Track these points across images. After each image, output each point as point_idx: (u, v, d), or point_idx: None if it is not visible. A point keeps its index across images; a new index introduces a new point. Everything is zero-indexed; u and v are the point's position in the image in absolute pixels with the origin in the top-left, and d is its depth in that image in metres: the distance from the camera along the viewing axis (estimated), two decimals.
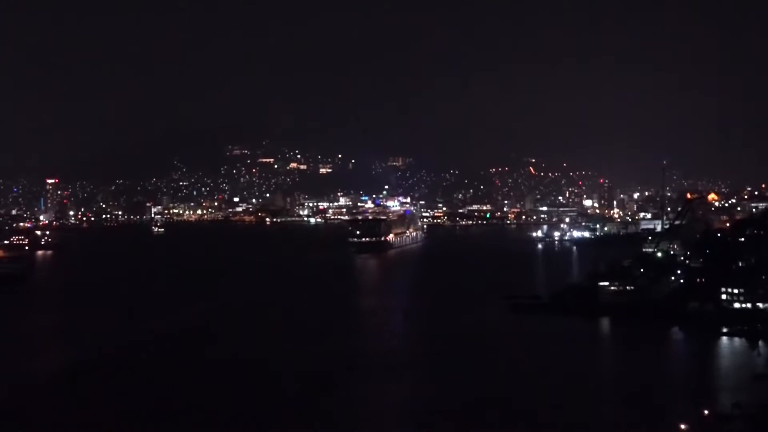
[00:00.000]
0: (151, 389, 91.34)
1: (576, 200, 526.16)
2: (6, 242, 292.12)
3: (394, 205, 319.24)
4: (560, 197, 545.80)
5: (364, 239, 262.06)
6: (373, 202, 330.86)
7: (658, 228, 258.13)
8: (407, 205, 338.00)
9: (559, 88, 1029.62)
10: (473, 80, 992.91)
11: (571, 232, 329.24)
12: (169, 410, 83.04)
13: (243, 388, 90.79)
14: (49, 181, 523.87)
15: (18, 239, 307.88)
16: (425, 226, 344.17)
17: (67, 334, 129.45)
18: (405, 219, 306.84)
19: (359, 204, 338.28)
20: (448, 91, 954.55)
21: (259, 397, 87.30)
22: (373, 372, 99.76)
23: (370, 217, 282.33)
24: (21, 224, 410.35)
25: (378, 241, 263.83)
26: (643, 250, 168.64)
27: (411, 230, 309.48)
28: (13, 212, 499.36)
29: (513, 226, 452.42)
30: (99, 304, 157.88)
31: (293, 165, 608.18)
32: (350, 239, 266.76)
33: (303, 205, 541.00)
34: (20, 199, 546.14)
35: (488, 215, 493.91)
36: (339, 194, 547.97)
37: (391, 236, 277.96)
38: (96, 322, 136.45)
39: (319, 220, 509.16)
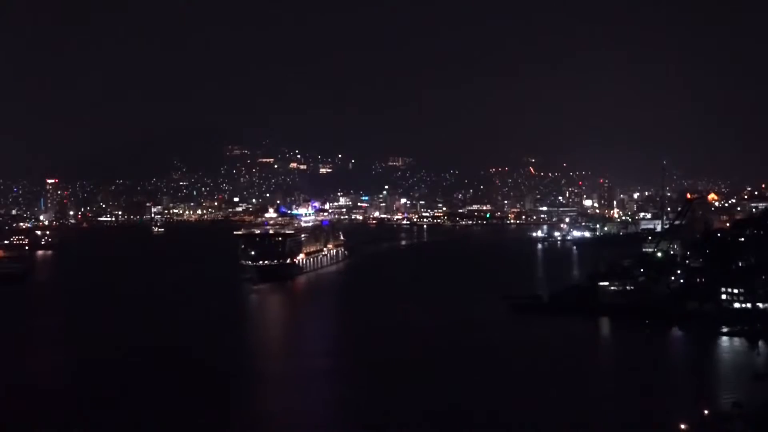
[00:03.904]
0: (148, 390, 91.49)
1: (576, 200, 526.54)
2: (6, 242, 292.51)
3: (307, 213, 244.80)
4: (560, 197, 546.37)
5: (261, 262, 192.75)
6: (276, 211, 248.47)
7: (658, 228, 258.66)
8: (325, 214, 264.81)
9: (559, 88, 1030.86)
10: (473, 80, 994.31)
11: (571, 232, 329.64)
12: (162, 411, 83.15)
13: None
14: (49, 181, 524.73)
15: (18, 239, 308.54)
16: (345, 241, 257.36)
17: (66, 335, 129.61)
18: (322, 232, 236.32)
19: (276, 211, 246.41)
20: (448, 91, 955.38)
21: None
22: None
23: (270, 231, 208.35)
24: (21, 224, 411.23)
25: (282, 265, 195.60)
26: (643, 250, 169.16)
27: (330, 246, 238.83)
28: (14, 212, 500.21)
29: (513, 226, 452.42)
30: (98, 305, 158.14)
31: (293, 165, 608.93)
32: (243, 262, 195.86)
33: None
34: (20, 199, 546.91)
35: (488, 215, 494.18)
36: (339, 194, 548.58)
37: (300, 256, 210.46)
38: (95, 323, 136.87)
39: None
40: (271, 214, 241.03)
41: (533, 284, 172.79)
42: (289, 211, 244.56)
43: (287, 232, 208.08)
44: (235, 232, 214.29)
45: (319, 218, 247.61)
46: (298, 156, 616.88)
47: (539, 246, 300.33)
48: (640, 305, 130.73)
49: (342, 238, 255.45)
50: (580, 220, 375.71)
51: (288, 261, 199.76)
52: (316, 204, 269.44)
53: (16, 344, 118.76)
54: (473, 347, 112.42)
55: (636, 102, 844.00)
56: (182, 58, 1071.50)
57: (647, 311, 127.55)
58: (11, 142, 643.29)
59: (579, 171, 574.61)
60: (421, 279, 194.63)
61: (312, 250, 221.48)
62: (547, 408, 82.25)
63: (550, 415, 79.95)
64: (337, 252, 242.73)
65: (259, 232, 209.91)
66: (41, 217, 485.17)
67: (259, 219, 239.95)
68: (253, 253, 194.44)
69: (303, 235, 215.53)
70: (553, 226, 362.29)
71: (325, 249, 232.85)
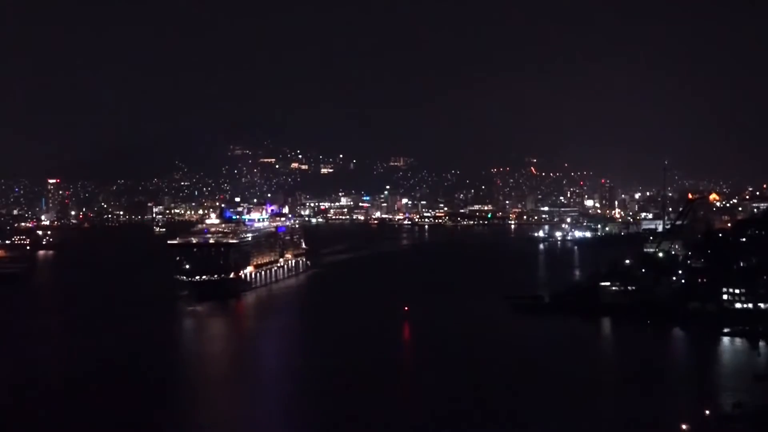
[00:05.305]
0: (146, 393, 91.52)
1: (577, 200, 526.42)
2: (8, 242, 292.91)
3: (260, 218, 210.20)
4: (561, 197, 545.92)
5: (200, 277, 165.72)
6: (220, 216, 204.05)
7: (660, 228, 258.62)
8: (284, 219, 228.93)
9: (560, 88, 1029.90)
10: (474, 81, 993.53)
11: (572, 232, 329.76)
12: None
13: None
14: (51, 181, 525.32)
15: (19, 239, 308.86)
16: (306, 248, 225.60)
17: (65, 335, 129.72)
18: (277, 240, 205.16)
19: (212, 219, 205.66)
20: (449, 91, 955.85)
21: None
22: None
23: (211, 241, 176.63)
24: (22, 224, 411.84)
25: (224, 281, 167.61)
26: (645, 250, 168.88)
27: (289, 256, 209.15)
28: (15, 212, 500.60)
29: (514, 226, 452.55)
30: (97, 305, 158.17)
31: (294, 165, 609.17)
32: (178, 277, 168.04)
33: (304, 205, 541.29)
34: (22, 199, 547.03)
35: (490, 215, 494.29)
36: (340, 194, 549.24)
37: (249, 269, 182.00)
38: (94, 323, 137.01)
39: (320, 219, 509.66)
40: (213, 220, 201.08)
41: (535, 284, 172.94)
42: (236, 216, 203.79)
43: (231, 241, 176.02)
44: (168, 242, 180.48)
45: (275, 224, 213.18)
46: (300, 156, 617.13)
47: (540, 246, 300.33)
48: (642, 305, 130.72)
49: (304, 246, 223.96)
50: (581, 220, 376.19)
51: (232, 275, 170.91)
52: (273, 207, 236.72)
53: (15, 344, 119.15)
54: (474, 347, 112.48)
55: (637, 102, 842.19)
56: (183, 58, 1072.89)
57: (648, 311, 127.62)
58: (12, 142, 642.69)
59: (580, 171, 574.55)
60: (420, 278, 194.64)
61: (264, 261, 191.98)
62: (548, 408, 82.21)
63: (551, 414, 79.90)
64: (297, 263, 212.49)
65: (196, 241, 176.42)
66: (42, 217, 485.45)
67: (199, 225, 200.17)
68: (188, 266, 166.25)
69: (251, 245, 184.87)
70: (555, 227, 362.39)
71: (281, 260, 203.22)
